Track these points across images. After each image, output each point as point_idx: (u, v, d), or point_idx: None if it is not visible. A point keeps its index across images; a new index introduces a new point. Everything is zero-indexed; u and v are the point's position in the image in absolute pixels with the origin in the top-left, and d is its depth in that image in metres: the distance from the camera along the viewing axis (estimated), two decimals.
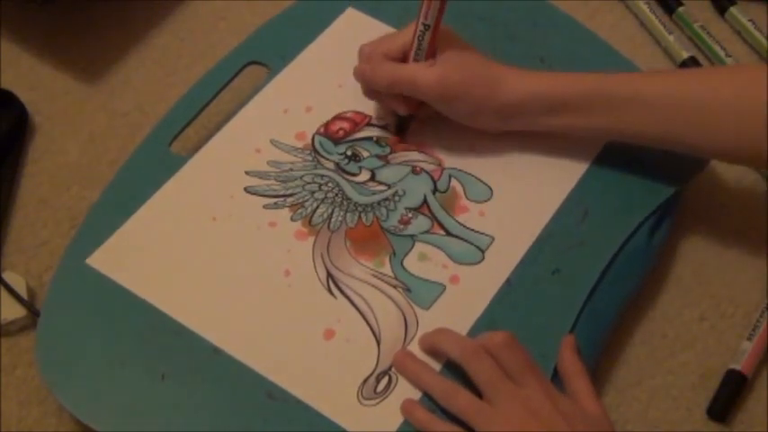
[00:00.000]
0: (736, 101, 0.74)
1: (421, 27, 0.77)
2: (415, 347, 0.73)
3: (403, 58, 0.79)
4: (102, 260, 0.75)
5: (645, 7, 0.95)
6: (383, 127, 0.83)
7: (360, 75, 0.81)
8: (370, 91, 0.82)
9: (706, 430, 0.75)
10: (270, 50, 0.87)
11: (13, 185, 0.84)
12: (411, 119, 0.82)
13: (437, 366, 0.72)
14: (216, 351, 0.72)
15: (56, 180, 0.85)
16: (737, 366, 0.76)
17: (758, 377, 0.77)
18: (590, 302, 0.75)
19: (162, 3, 0.95)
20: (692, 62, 0.92)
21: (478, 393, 0.69)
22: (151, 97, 0.89)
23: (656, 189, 0.80)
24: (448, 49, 0.78)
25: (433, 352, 0.72)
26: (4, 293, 0.77)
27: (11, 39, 0.92)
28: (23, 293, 0.77)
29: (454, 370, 0.71)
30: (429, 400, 0.70)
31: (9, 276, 0.78)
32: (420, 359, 0.72)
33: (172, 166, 0.80)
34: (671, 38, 0.93)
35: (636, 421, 0.75)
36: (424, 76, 0.77)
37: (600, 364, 0.76)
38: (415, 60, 0.78)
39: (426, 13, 0.76)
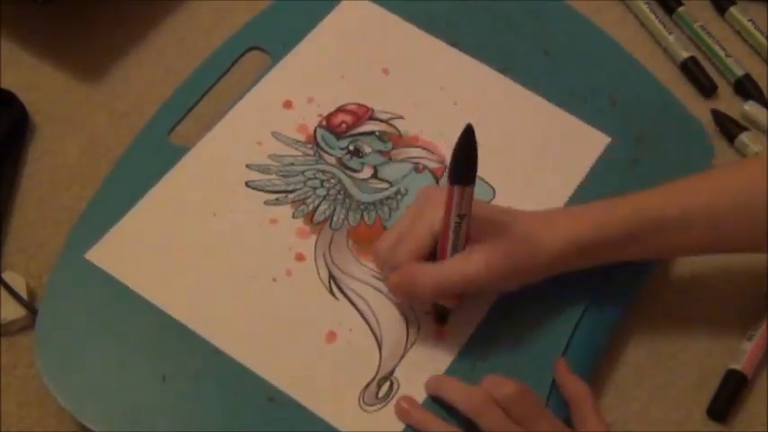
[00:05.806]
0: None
1: (455, 219, 0.68)
2: (415, 352, 0.72)
3: (431, 252, 0.71)
4: (100, 255, 0.75)
5: (645, 7, 0.95)
6: (385, 121, 0.82)
7: (398, 289, 0.71)
8: (411, 298, 0.73)
9: (706, 430, 0.75)
10: (271, 36, 0.86)
11: (13, 185, 0.84)
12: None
13: None
14: (217, 353, 0.71)
15: (56, 180, 0.85)
16: (737, 366, 0.76)
17: (758, 377, 0.77)
18: (591, 306, 0.75)
19: (162, 3, 0.95)
20: (691, 62, 0.92)
21: None
22: (151, 97, 0.89)
23: None
24: (473, 225, 0.70)
25: (438, 398, 0.70)
26: (4, 293, 0.77)
27: (11, 39, 0.92)
28: (23, 293, 0.77)
29: None
30: (433, 401, 0.70)
31: (9, 276, 0.78)
32: (424, 408, 0.70)
33: (171, 156, 0.79)
34: (671, 38, 0.93)
35: (636, 421, 0.75)
36: (473, 270, 0.69)
37: (600, 365, 0.76)
38: (454, 252, 0.70)
39: (460, 203, 0.68)
